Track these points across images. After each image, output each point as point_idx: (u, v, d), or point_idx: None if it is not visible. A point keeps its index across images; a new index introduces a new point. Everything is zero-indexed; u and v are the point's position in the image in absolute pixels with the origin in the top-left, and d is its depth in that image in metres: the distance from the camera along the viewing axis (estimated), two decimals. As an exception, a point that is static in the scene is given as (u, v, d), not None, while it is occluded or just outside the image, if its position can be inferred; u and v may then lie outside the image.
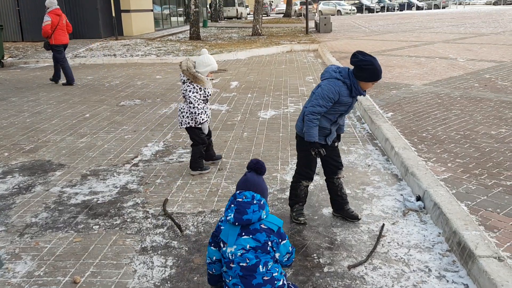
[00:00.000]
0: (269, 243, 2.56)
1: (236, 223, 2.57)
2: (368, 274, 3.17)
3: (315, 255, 3.43)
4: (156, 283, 3.12)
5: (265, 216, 2.62)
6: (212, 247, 2.73)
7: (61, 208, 4.30)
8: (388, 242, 3.57)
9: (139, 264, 3.35)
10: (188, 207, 4.27)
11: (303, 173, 3.91)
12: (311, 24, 27.46)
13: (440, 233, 3.65)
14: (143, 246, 3.60)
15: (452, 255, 3.35)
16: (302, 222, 3.90)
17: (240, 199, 2.61)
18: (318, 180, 4.75)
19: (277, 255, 2.61)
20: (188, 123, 4.91)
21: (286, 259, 2.67)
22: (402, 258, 3.35)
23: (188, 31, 21.87)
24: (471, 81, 9.12)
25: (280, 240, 2.60)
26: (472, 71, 10.24)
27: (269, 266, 2.57)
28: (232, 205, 2.60)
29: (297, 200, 3.97)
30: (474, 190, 4.13)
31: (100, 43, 18.99)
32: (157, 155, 5.69)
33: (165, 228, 3.89)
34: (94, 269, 3.29)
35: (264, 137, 6.26)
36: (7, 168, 5.38)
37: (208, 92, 4.92)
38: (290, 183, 4.42)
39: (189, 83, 4.83)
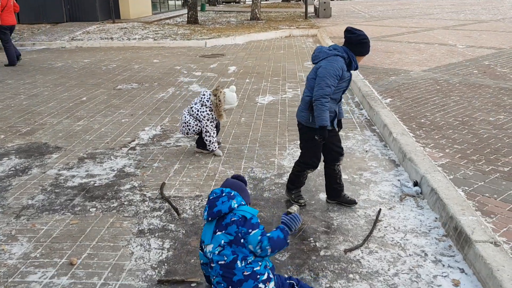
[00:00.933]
0: (240, 234, 2.50)
1: (210, 218, 2.58)
2: (364, 258, 3.18)
3: (311, 239, 3.43)
4: (153, 265, 3.12)
5: (236, 205, 2.58)
6: (200, 251, 2.73)
7: (57, 191, 4.29)
8: (385, 227, 3.58)
9: (136, 246, 3.35)
10: (185, 191, 4.26)
11: (310, 163, 3.84)
12: (311, 9, 27.19)
13: (436, 218, 3.66)
14: (140, 228, 3.60)
15: (449, 240, 3.36)
16: (303, 204, 3.92)
17: (211, 197, 2.64)
18: (316, 165, 4.74)
19: (250, 247, 2.50)
20: (193, 135, 5.21)
21: (259, 249, 2.48)
22: (398, 242, 3.36)
23: (186, 15, 21.65)
24: (470, 67, 9.08)
25: (249, 231, 2.50)
26: (472, 57, 10.19)
27: (249, 261, 2.48)
28: (206, 205, 2.64)
29: (298, 185, 3.98)
30: (471, 176, 4.13)
31: (97, 26, 18.80)
32: (155, 139, 5.66)
33: (162, 211, 3.89)
34: (91, 251, 3.30)
35: (262, 123, 6.24)
36: (4, 150, 5.35)
37: (215, 120, 5.08)
38: (288, 169, 4.40)
39: (209, 110, 4.91)
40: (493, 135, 5.16)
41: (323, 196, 4.11)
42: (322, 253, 3.25)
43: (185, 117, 5.01)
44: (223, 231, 2.53)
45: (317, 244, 3.36)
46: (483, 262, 2.84)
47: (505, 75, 8.28)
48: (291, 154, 5.05)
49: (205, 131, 4.93)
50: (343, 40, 3.64)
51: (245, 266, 2.47)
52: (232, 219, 2.54)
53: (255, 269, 2.48)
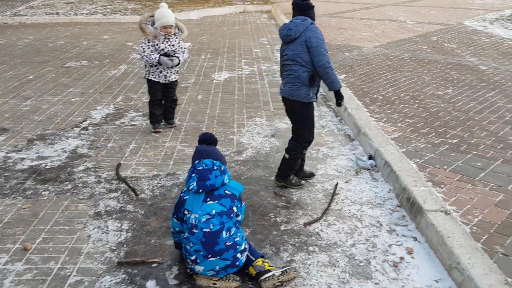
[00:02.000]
0: (234, 208, 2.67)
1: (200, 190, 2.61)
2: (323, 231, 3.26)
3: (272, 214, 3.48)
4: (112, 247, 3.06)
5: (227, 181, 2.71)
6: (175, 219, 2.77)
7: (7, 174, 4.09)
8: (342, 200, 3.68)
9: (93, 229, 3.27)
10: (142, 170, 4.18)
11: (307, 140, 3.76)
12: (264, -16, 26.87)
13: (390, 189, 3.79)
14: (96, 211, 3.51)
15: (402, 210, 3.50)
16: (303, 183, 3.88)
17: (200, 168, 2.67)
18: (274, 142, 4.77)
19: (239, 218, 2.74)
20: (143, 72, 4.97)
21: (243, 219, 2.84)
22: (355, 214, 3.47)
23: (136, -11, 20.85)
24: (420, 43, 9.35)
25: (241, 204, 2.75)
26: (421, 33, 10.48)
27: (232, 232, 2.63)
28: (193, 175, 2.66)
29: (294, 169, 3.85)
30: (422, 148, 4.30)
31: (41, 0, 17.79)
32: (108, 118, 5.49)
33: (119, 192, 3.80)
34: (45, 235, 3.19)
35: (219, 100, 6.18)
36: None
37: (159, 47, 4.72)
38: (247, 146, 4.39)
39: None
40: (442, 109, 5.37)
41: (281, 172, 4.15)
42: (282, 227, 3.30)
43: None
44: (216, 201, 2.61)
45: (278, 219, 3.41)
46: (435, 230, 2.99)
47: (453, 50, 8.59)
48: (250, 131, 5.05)
49: (138, 54, 4.84)
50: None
51: (229, 237, 2.60)
52: (226, 192, 2.67)
53: (236, 239, 2.63)
